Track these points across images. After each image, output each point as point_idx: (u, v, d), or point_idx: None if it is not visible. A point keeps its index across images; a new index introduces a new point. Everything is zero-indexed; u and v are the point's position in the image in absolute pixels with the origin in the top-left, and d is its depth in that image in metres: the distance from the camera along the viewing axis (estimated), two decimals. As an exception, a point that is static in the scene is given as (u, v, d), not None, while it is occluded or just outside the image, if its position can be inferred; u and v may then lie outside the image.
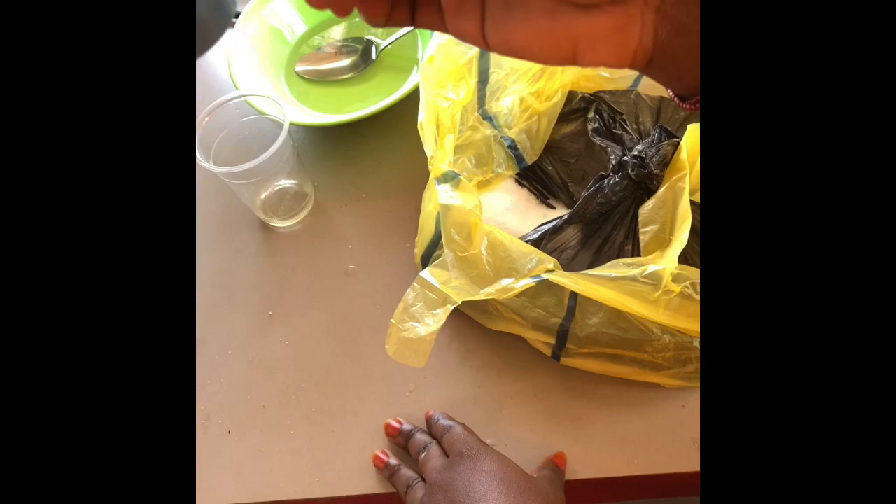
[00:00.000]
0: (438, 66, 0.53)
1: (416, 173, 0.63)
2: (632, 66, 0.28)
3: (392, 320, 0.44)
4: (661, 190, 0.47)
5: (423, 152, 0.51)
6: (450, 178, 0.49)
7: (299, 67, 0.70)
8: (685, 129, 0.48)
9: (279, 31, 0.72)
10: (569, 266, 0.49)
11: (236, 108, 0.59)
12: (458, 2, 0.27)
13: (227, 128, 0.59)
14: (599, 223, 0.49)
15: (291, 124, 0.59)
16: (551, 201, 0.56)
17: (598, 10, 0.25)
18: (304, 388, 0.55)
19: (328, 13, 0.72)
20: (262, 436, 0.53)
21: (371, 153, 0.66)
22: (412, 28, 0.69)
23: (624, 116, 0.56)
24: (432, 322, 0.44)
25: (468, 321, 0.55)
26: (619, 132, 0.54)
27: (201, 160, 0.55)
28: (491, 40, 0.27)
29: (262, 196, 0.63)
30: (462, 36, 0.28)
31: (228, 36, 0.66)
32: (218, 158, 0.57)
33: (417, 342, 0.44)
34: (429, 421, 0.50)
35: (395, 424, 0.51)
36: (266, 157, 0.53)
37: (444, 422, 0.49)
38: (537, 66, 0.56)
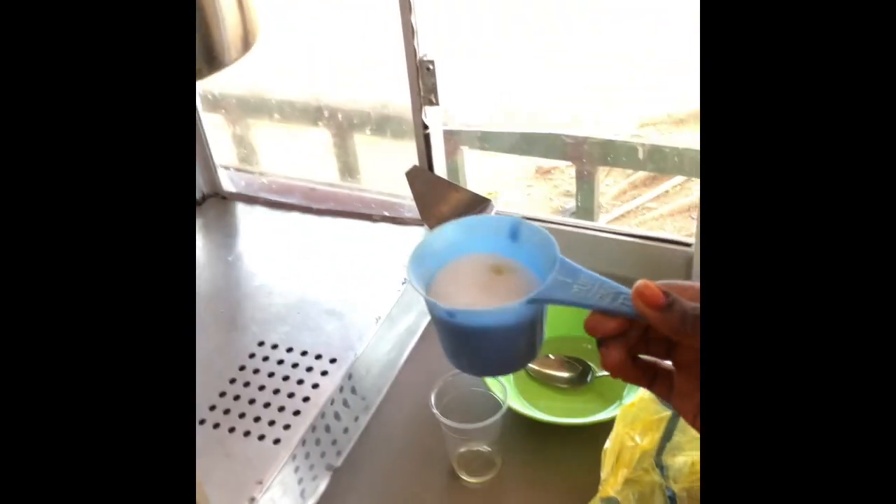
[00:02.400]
0: (635, 412, 0.67)
1: (581, 483, 0.74)
2: None
3: None
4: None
5: (595, 470, 0.63)
6: (612, 503, 0.60)
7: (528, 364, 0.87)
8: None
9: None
10: None
11: (470, 378, 0.77)
12: (687, 392, 0.41)
13: (459, 390, 0.76)
14: None
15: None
16: (690, 559, 0.64)
17: None
18: None
19: (562, 332, 0.89)
20: None
21: (552, 451, 0.79)
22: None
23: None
24: None
25: None
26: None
27: (433, 407, 0.72)
28: (695, 426, 0.41)
29: (461, 450, 0.77)
30: (679, 411, 0.42)
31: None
32: (445, 411, 0.73)
33: None
34: None
35: None
36: (481, 426, 0.69)
37: None
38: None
